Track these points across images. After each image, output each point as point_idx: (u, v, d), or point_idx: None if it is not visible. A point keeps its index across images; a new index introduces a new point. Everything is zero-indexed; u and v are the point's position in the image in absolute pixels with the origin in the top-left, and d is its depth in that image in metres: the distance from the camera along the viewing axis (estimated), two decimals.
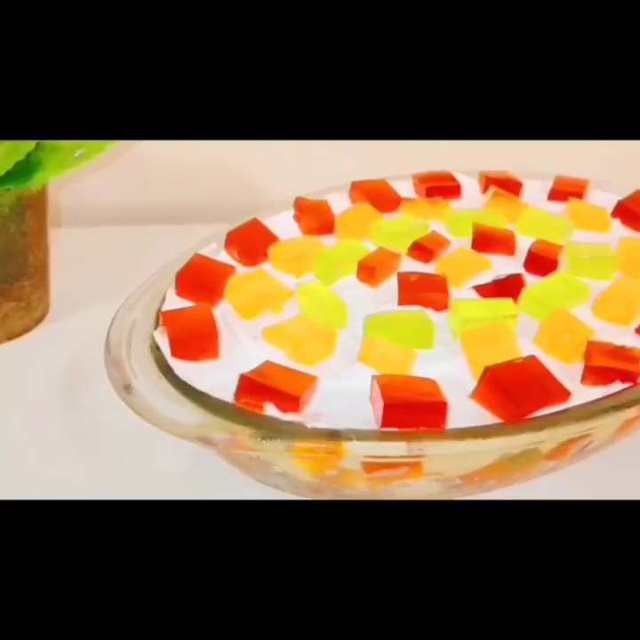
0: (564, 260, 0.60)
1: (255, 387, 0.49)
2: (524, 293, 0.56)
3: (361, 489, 0.51)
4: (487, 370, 0.49)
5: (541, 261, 0.59)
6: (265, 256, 0.61)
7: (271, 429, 0.47)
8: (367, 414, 0.48)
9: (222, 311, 0.56)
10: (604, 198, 0.68)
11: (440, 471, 0.50)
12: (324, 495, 0.52)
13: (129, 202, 0.86)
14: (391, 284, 0.58)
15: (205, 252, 0.61)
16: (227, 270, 0.59)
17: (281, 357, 0.52)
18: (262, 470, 0.52)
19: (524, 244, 0.61)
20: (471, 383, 0.50)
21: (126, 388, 0.50)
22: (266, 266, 0.60)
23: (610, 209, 0.66)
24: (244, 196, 0.84)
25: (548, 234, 0.62)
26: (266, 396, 0.48)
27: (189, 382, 0.51)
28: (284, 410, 0.48)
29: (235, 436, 0.47)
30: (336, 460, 0.48)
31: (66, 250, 0.73)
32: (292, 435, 0.47)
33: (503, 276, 0.58)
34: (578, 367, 0.51)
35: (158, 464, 0.55)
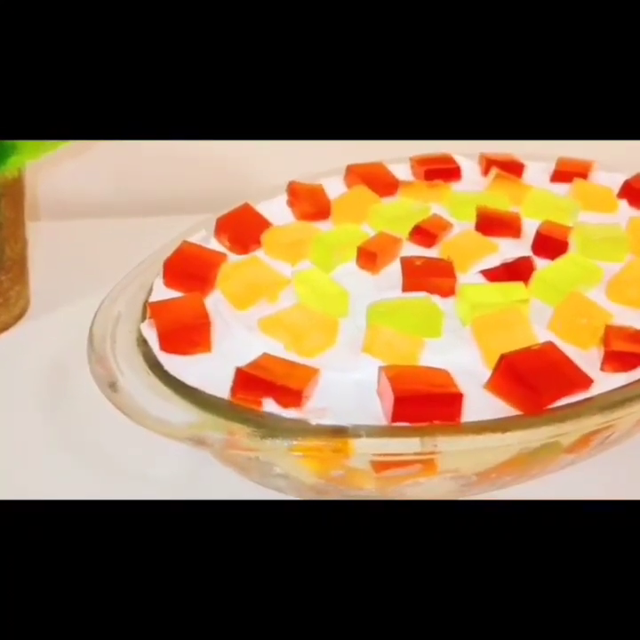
0: (573, 241, 0.59)
1: (252, 381, 0.47)
2: (535, 277, 0.55)
3: (369, 489, 0.49)
4: (502, 358, 0.47)
5: (551, 243, 0.58)
6: (258, 243, 0.60)
7: (271, 427, 0.45)
8: (375, 408, 0.46)
9: (214, 301, 0.54)
10: (609, 179, 0.67)
11: (455, 468, 0.48)
12: (330, 497, 0.50)
13: (111, 193, 0.85)
14: (393, 269, 0.56)
15: (194, 239, 0.60)
16: (218, 258, 0.58)
17: (279, 349, 0.50)
18: (262, 472, 0.50)
19: (529, 226, 0.61)
20: (484, 372, 0.48)
21: (112, 386, 0.49)
22: (259, 253, 0.59)
23: (616, 190, 0.65)
24: (232, 184, 0.83)
25: (554, 215, 0.61)
26: (264, 391, 0.46)
27: (180, 378, 0.49)
28: (284, 405, 0.46)
29: (231, 436, 0.45)
30: (343, 458, 0.46)
31: (45, 244, 0.73)
32: (294, 432, 0.45)
33: (511, 260, 0.57)
34: (595, 353, 0.50)
35: (149, 467, 0.54)
